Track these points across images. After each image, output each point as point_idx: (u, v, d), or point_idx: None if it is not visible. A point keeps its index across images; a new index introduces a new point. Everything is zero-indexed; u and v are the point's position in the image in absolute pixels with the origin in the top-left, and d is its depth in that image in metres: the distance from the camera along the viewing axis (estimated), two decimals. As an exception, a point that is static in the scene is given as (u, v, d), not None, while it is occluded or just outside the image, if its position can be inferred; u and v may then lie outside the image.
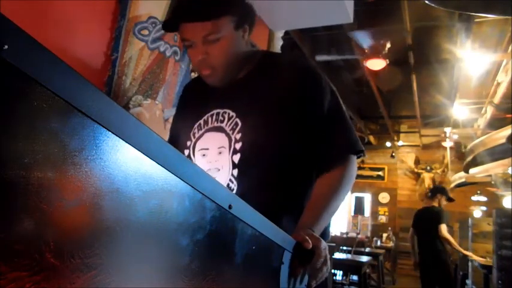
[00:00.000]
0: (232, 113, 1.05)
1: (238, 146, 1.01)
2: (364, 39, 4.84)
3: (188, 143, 1.11)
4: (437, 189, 5.19)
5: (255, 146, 1.00)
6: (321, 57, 5.14)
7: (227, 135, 1.03)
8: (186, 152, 1.10)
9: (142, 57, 1.75)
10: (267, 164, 1.00)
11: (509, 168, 6.04)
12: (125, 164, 0.40)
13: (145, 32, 1.75)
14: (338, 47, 5.19)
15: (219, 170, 1.02)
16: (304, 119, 1.02)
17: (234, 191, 0.98)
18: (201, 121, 1.10)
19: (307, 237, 0.81)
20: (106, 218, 0.38)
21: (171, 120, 1.76)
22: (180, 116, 1.27)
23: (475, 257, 4.86)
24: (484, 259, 4.79)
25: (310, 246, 0.80)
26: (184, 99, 1.29)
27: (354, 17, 2.81)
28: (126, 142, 0.39)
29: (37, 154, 0.32)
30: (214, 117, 1.08)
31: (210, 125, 1.08)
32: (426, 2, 1.77)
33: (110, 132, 0.37)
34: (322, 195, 0.99)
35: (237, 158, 1.00)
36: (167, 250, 0.47)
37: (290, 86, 1.04)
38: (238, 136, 1.01)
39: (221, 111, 1.07)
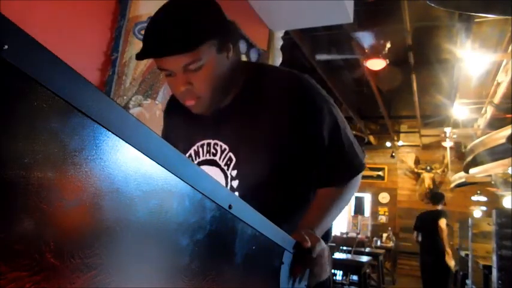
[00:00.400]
0: (224, 146, 1.00)
1: (235, 184, 0.97)
2: (364, 39, 4.84)
3: None
4: (441, 196, 5.54)
5: (253, 183, 0.96)
6: (321, 57, 5.14)
7: (222, 170, 0.99)
8: None
9: (142, 57, 1.75)
10: (267, 200, 0.90)
11: (509, 168, 6.04)
12: (125, 164, 0.40)
13: (145, 32, 1.75)
14: (338, 47, 5.19)
15: None
16: (301, 147, 0.97)
17: None
18: (191, 151, 1.05)
19: (306, 237, 0.81)
20: (106, 218, 0.38)
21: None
22: (167, 138, 1.15)
23: (449, 259, 5.02)
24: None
25: (309, 245, 0.80)
26: (169, 118, 1.18)
27: (354, 17, 2.81)
28: (126, 142, 0.39)
29: (37, 154, 0.32)
30: (205, 148, 1.03)
31: (202, 157, 1.03)
32: (427, 1, 1.77)
33: (110, 132, 0.37)
34: (325, 198, 0.99)
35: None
36: (167, 250, 0.47)
37: (282, 111, 0.96)
38: (234, 173, 0.97)
39: (212, 142, 1.02)
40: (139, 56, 0.88)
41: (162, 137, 1.20)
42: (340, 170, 1.01)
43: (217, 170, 0.99)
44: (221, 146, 1.00)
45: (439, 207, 5.29)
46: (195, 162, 1.04)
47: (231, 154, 0.98)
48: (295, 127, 0.96)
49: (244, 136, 0.98)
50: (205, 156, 1.03)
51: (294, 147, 0.97)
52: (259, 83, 1.01)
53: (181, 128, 1.10)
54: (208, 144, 1.02)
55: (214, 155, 1.01)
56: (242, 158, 0.97)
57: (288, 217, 0.97)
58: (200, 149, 1.04)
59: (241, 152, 0.98)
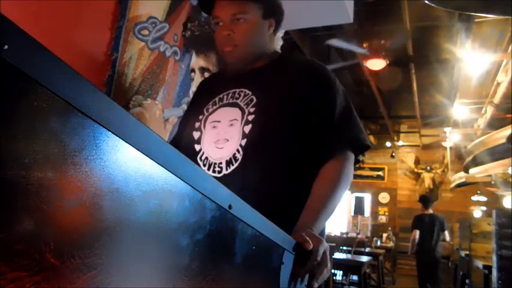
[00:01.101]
0: (248, 92, 1.09)
1: (251, 117, 1.04)
2: (364, 39, 4.85)
3: (200, 117, 1.13)
4: (430, 199, 5.98)
5: (268, 118, 1.03)
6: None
7: (241, 109, 1.07)
8: (197, 124, 1.12)
9: (142, 57, 1.75)
10: (277, 137, 1.03)
11: (509, 168, 6.05)
12: (125, 164, 0.40)
13: (145, 32, 1.75)
14: (338, 48, 5.19)
15: (227, 140, 1.04)
16: (316, 112, 1.06)
17: (239, 161, 1.00)
18: (216, 99, 1.14)
19: (307, 238, 0.81)
20: (106, 218, 0.38)
21: (171, 120, 1.76)
22: (195, 100, 1.33)
23: None
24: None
25: (311, 247, 0.80)
26: (200, 89, 1.34)
27: (354, 17, 2.81)
28: (126, 142, 0.39)
29: (37, 154, 0.32)
30: (230, 95, 1.12)
31: (225, 101, 1.12)
32: (426, 2, 1.77)
33: (110, 132, 0.37)
34: (321, 193, 0.99)
35: (248, 128, 1.03)
36: (167, 250, 0.47)
37: (306, 81, 1.09)
38: (252, 109, 1.05)
39: (238, 90, 1.11)
40: (203, 5, 1.17)
41: (190, 104, 1.41)
42: (342, 137, 1.07)
43: (236, 109, 1.08)
44: (245, 92, 1.10)
45: (431, 210, 5.64)
46: (218, 105, 1.12)
47: (253, 96, 1.08)
48: (313, 94, 1.08)
49: (269, 88, 1.10)
50: (229, 100, 1.11)
51: (309, 108, 1.06)
52: (289, 59, 1.21)
53: (210, 90, 1.21)
54: (234, 92, 1.12)
55: (238, 98, 1.10)
56: (262, 99, 1.06)
57: (295, 163, 1.03)
58: (225, 96, 1.13)
59: (263, 95, 1.07)
